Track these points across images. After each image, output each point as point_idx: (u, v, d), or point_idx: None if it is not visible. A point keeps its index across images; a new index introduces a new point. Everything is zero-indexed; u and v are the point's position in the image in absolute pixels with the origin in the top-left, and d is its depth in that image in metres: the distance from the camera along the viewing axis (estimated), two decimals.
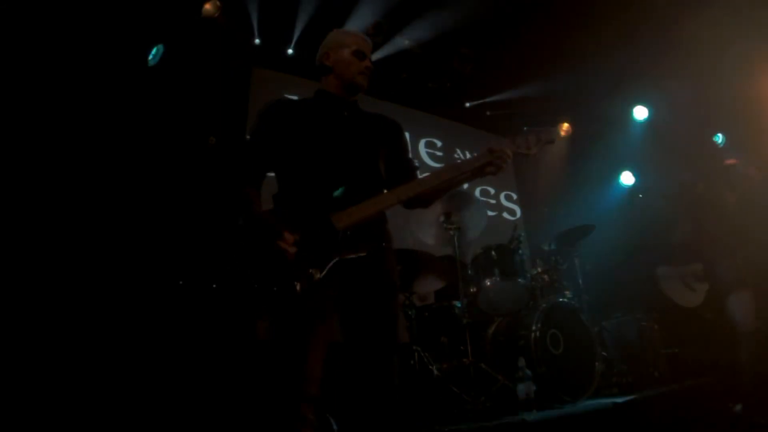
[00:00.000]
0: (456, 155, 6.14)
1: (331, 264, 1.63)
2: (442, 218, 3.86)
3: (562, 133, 6.64)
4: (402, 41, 5.45)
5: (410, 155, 2.11)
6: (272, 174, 1.90)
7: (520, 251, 4.02)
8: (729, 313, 3.31)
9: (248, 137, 1.93)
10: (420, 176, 1.97)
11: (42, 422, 2.67)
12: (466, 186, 6.09)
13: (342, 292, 1.68)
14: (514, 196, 6.58)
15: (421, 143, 5.93)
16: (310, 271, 1.61)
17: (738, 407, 3.19)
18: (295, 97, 2.11)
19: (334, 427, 2.39)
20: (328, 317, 1.67)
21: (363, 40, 1.97)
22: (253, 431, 2.73)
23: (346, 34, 1.99)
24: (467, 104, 6.52)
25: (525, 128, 6.24)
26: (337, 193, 1.70)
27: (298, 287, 1.59)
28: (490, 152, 1.84)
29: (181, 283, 3.57)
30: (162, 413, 2.86)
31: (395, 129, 2.03)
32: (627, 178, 6.33)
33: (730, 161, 3.61)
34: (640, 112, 6.11)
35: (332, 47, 1.95)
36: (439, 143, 6.08)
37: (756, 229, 3.34)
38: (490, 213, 5.90)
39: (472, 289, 3.91)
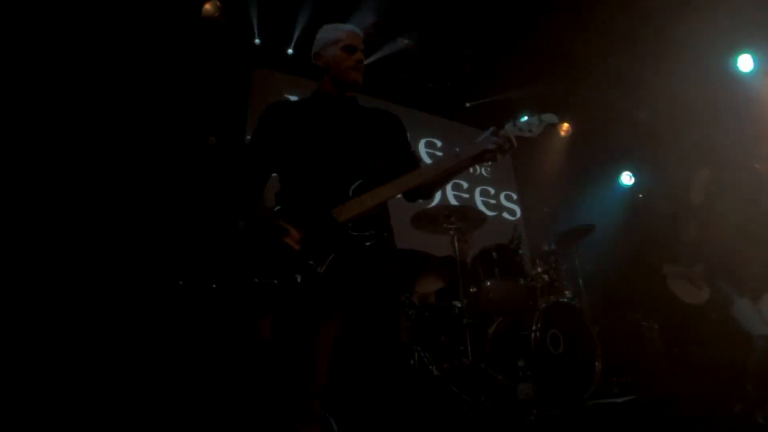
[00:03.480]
0: None
1: (332, 256, 1.65)
2: (442, 218, 3.86)
3: (562, 133, 6.66)
4: (402, 41, 5.44)
5: (412, 148, 2.09)
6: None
7: (520, 251, 4.02)
8: (738, 317, 3.28)
9: (249, 140, 1.94)
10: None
11: (43, 422, 2.67)
12: (466, 185, 6.11)
13: (344, 288, 1.68)
14: (514, 196, 6.57)
15: (421, 143, 5.93)
16: (311, 262, 1.63)
17: (738, 407, 3.18)
18: (295, 98, 2.11)
19: (334, 427, 2.39)
20: (332, 313, 1.67)
21: (352, 34, 1.93)
22: (263, 427, 2.73)
23: (333, 30, 1.95)
24: (467, 104, 6.51)
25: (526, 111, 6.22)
26: (355, 185, 1.72)
27: (298, 279, 1.60)
28: (493, 134, 1.82)
29: (182, 282, 3.56)
30: (169, 412, 2.86)
31: (395, 122, 2.02)
32: (627, 178, 6.33)
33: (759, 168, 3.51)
34: (639, 113, 6.11)
35: (322, 47, 1.93)
36: (439, 143, 6.08)
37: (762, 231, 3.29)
38: (490, 213, 5.90)
39: (472, 289, 3.90)
